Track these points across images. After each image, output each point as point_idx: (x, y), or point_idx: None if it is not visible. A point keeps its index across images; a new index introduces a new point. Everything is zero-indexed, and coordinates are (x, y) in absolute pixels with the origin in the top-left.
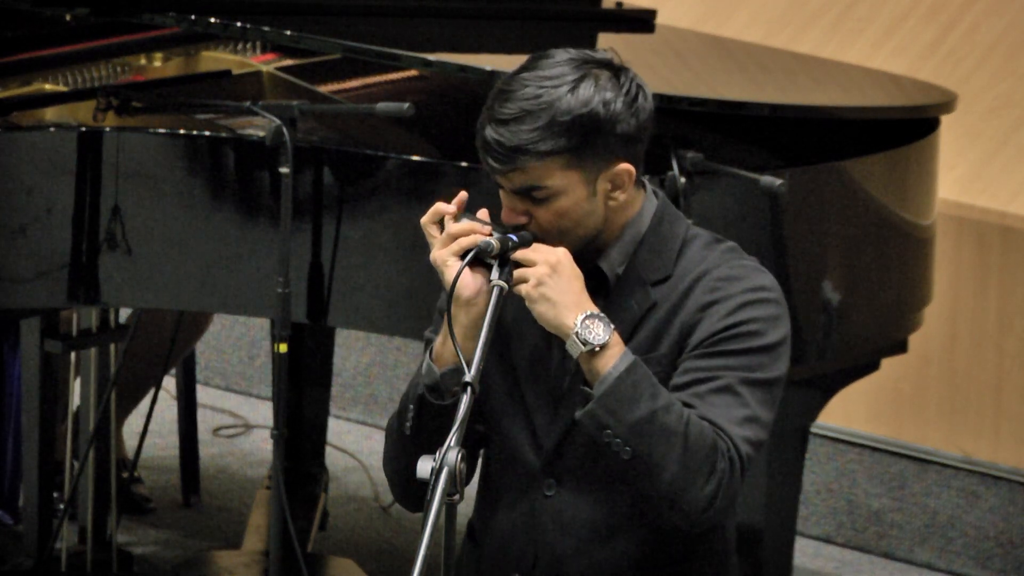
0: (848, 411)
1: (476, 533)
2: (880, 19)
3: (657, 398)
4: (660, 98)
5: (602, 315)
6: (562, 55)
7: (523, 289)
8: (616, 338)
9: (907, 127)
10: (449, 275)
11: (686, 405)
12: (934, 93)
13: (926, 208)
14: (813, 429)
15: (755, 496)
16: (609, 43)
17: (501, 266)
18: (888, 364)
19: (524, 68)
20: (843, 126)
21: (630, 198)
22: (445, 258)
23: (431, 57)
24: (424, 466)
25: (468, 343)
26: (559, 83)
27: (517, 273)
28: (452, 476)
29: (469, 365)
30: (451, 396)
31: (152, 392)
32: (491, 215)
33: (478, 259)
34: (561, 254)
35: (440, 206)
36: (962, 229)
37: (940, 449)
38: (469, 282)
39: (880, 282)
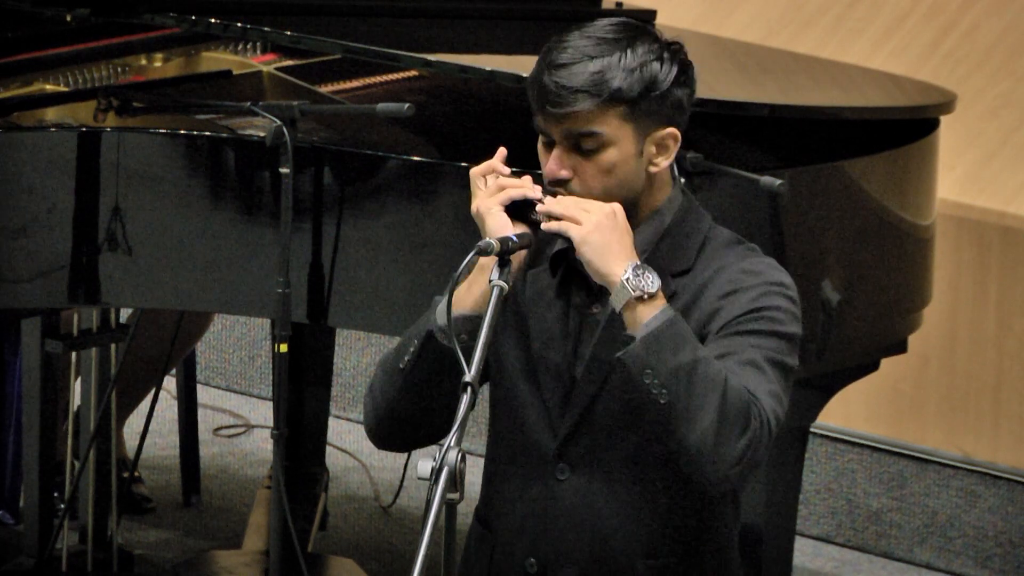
0: (848, 411)
1: (486, 519)
2: (880, 19)
3: (699, 350)
4: None
5: (650, 267)
6: (612, 21)
7: (573, 231)
8: (662, 293)
9: (907, 127)
10: (491, 223)
11: None
12: (934, 93)
13: (926, 208)
14: (813, 429)
15: (755, 496)
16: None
17: (501, 266)
18: (888, 364)
19: (575, 28)
20: (843, 126)
21: (667, 173)
22: (491, 206)
23: (431, 57)
24: (424, 466)
25: (490, 295)
26: (619, 37)
27: (569, 215)
28: (452, 476)
29: (469, 364)
30: (460, 342)
31: (152, 392)
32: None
33: (522, 214)
34: (617, 206)
35: (495, 163)
36: (962, 229)
37: (939, 449)
38: (509, 233)
39: (880, 282)
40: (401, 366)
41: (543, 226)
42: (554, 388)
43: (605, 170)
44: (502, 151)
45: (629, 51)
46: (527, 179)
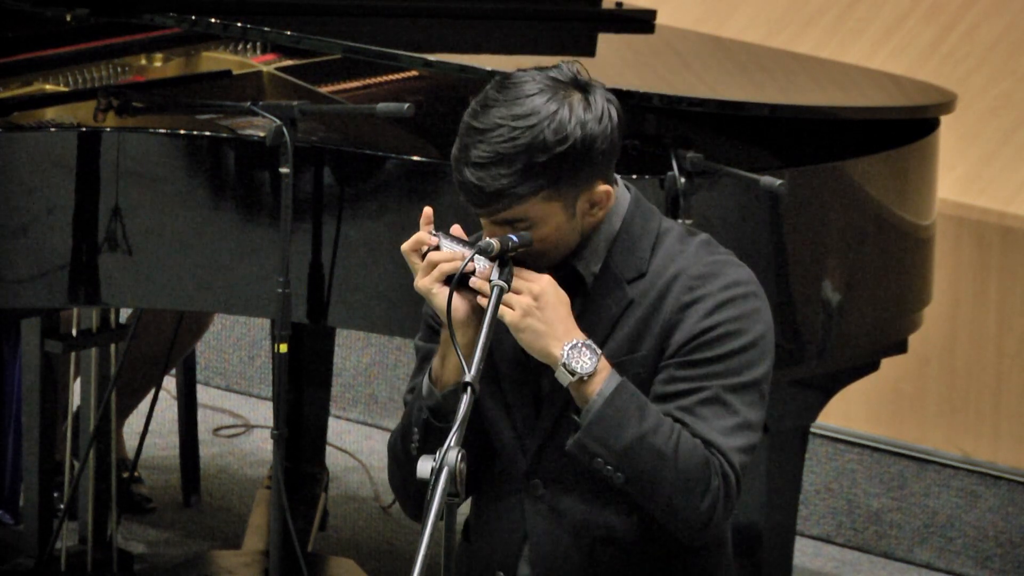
0: (848, 411)
1: (470, 532)
2: (880, 19)
3: (644, 420)
4: (660, 98)
5: (588, 342)
6: (531, 85)
7: (508, 318)
8: (603, 363)
9: (907, 127)
10: (437, 302)
11: (674, 419)
12: (934, 93)
13: (926, 208)
14: (813, 429)
15: (755, 496)
16: (609, 43)
17: (501, 266)
18: (888, 364)
19: (489, 101)
20: (843, 126)
21: (608, 211)
22: (429, 286)
23: (431, 57)
24: (424, 466)
25: (470, 360)
26: (533, 122)
27: (504, 299)
28: (452, 476)
29: (469, 364)
30: (446, 419)
31: (152, 392)
32: (466, 229)
33: (462, 283)
34: (545, 283)
35: (421, 235)
36: (962, 229)
37: (940, 449)
38: (459, 305)
39: (880, 282)
40: (413, 453)
41: (480, 301)
42: (521, 405)
43: (539, 240)
44: (427, 212)
45: (547, 133)
46: (456, 228)
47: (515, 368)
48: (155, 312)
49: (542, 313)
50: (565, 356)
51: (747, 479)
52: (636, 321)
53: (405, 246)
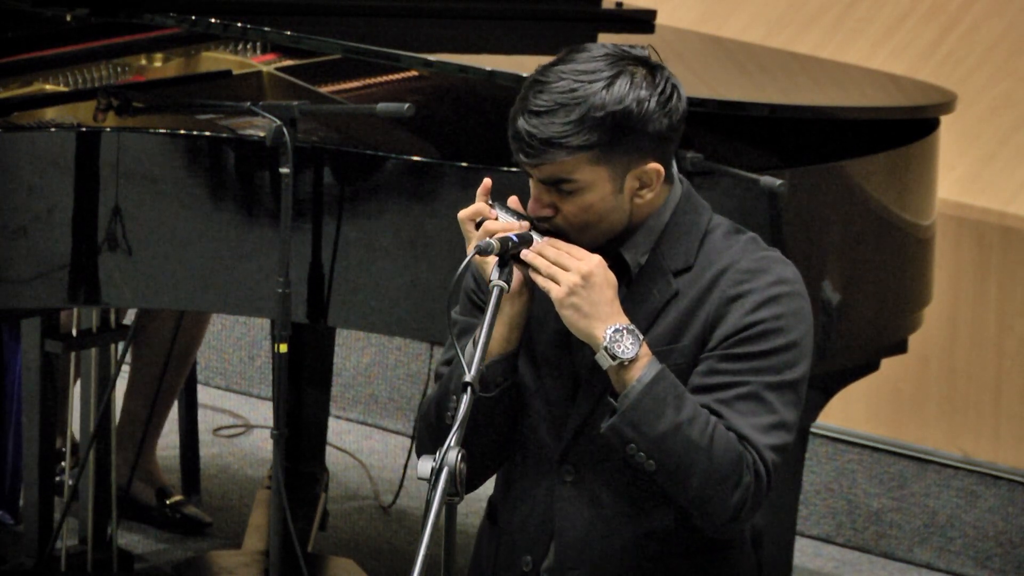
0: (848, 411)
1: (496, 513)
2: (880, 19)
3: (681, 410)
4: None
5: (632, 327)
6: (599, 49)
7: (553, 294)
8: (644, 350)
9: (907, 127)
10: (487, 270)
11: (711, 412)
12: (934, 93)
13: (926, 208)
14: (813, 429)
15: None
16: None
17: (501, 266)
18: (888, 364)
19: (560, 60)
20: (843, 126)
21: (657, 196)
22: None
23: (431, 57)
24: (424, 466)
25: (511, 333)
26: (594, 78)
27: (549, 273)
28: (452, 476)
29: (471, 366)
30: (496, 388)
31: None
32: (522, 203)
33: (514, 256)
34: (595, 264)
35: (479, 205)
36: (962, 229)
37: (940, 449)
38: (514, 276)
39: (880, 282)
40: (448, 422)
41: (531, 275)
42: (559, 391)
43: (583, 209)
44: (487, 183)
45: (605, 91)
46: (512, 200)
47: (554, 350)
48: (158, 314)
49: (588, 293)
50: (608, 339)
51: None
52: (680, 312)
53: (462, 214)
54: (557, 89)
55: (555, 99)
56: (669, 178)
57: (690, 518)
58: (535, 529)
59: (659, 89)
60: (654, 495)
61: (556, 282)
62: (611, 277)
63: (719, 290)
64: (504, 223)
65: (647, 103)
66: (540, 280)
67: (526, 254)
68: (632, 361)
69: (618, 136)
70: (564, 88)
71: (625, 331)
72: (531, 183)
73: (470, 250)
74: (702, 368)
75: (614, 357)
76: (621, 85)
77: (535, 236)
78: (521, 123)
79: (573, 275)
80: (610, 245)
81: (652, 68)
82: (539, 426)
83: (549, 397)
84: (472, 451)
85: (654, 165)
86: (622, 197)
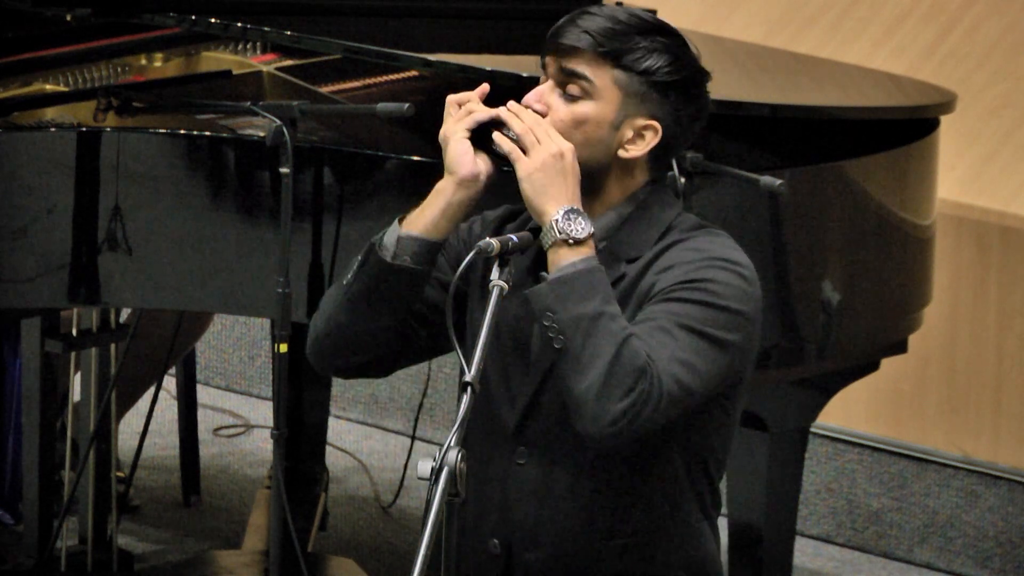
0: (848, 411)
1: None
2: (880, 19)
3: (608, 304)
4: None
5: (586, 215)
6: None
7: (519, 164)
8: (591, 243)
9: (907, 127)
10: (452, 148)
11: None
12: (934, 93)
13: (926, 208)
14: (813, 429)
15: (755, 496)
16: None
17: (501, 266)
18: (888, 364)
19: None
20: (843, 126)
21: (639, 165)
22: (456, 130)
23: (431, 57)
24: (424, 466)
25: (441, 220)
26: (652, 24)
27: (522, 135)
28: (452, 476)
29: (470, 364)
30: (400, 260)
31: (152, 392)
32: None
33: (483, 142)
34: (567, 148)
35: (473, 93)
36: (962, 229)
37: (940, 449)
38: (469, 160)
39: (880, 282)
40: (344, 282)
41: (495, 139)
42: (515, 365)
43: (576, 120)
44: (484, 86)
45: (654, 33)
46: (504, 107)
47: (514, 332)
48: (155, 312)
49: (555, 173)
50: (560, 217)
51: (747, 479)
52: (621, 291)
53: (452, 97)
54: (614, 7)
55: (611, 11)
56: (657, 168)
57: (574, 420)
58: (496, 512)
59: (691, 76)
60: (607, 474)
61: (525, 151)
62: (578, 170)
63: (657, 264)
64: (486, 108)
65: (687, 75)
66: (506, 145)
67: (502, 111)
68: (578, 243)
69: (644, 74)
70: (621, 10)
71: (579, 214)
72: (541, 81)
73: (444, 129)
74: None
75: (562, 232)
76: (665, 42)
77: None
78: (567, 19)
79: (545, 149)
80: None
81: (696, 59)
82: (495, 403)
83: (507, 374)
84: (345, 317)
85: (655, 125)
86: (613, 135)
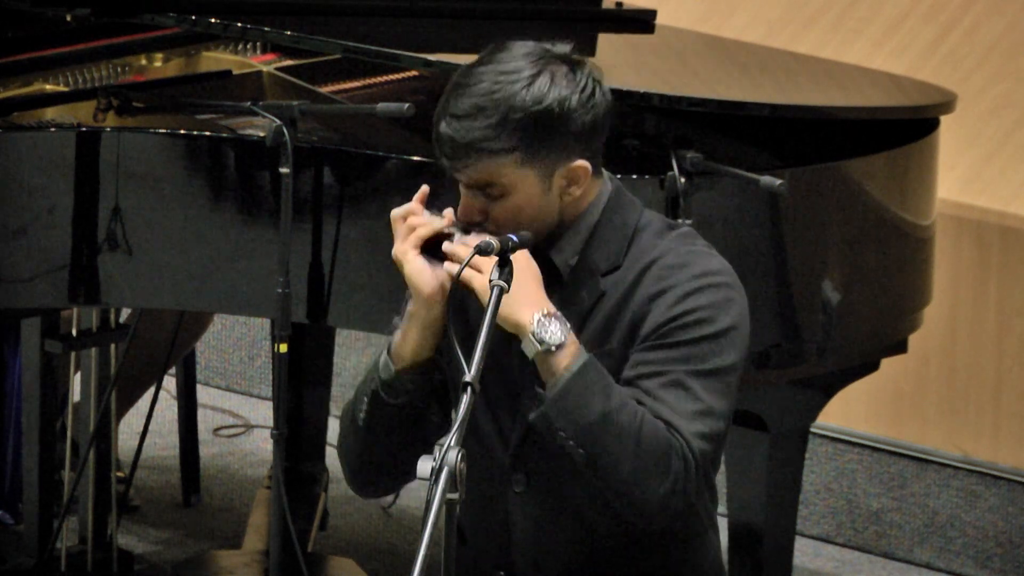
0: (848, 411)
1: (464, 531)
2: (880, 19)
3: (610, 398)
4: (660, 98)
5: (559, 314)
6: (519, 48)
7: (475, 282)
8: (572, 338)
9: (907, 127)
10: (407, 269)
11: (638, 403)
12: (934, 93)
13: (926, 208)
14: (813, 429)
15: (755, 496)
16: (609, 43)
17: (501, 266)
18: (888, 364)
19: (481, 61)
20: (843, 126)
21: (587, 192)
22: (405, 250)
23: (431, 57)
24: (424, 466)
25: (426, 340)
26: (515, 79)
27: (474, 263)
28: (452, 476)
29: (469, 364)
30: (404, 396)
31: (152, 392)
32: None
33: (434, 254)
34: (517, 253)
35: (413, 204)
36: (962, 229)
37: (940, 449)
38: (428, 277)
39: (880, 282)
40: (359, 423)
41: (447, 269)
42: (501, 399)
43: (513, 212)
44: (424, 189)
45: (525, 91)
46: (448, 212)
47: (496, 359)
48: (155, 312)
49: (511, 282)
50: (535, 324)
51: (747, 479)
52: (606, 314)
53: (394, 212)
54: (477, 91)
55: (475, 102)
56: (598, 173)
57: (620, 513)
58: (498, 542)
59: (580, 86)
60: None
61: (479, 271)
62: (534, 267)
63: (643, 288)
64: (428, 220)
65: (568, 101)
66: (464, 274)
67: (447, 246)
68: (560, 347)
69: (541, 137)
70: (484, 90)
71: (553, 317)
72: (460, 188)
73: (395, 249)
74: (630, 363)
75: (541, 343)
76: (541, 84)
77: (445, 250)
78: (443, 127)
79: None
80: (541, 247)
81: (573, 65)
82: (487, 437)
83: (493, 406)
84: (373, 452)
85: (581, 163)
86: (551, 196)
